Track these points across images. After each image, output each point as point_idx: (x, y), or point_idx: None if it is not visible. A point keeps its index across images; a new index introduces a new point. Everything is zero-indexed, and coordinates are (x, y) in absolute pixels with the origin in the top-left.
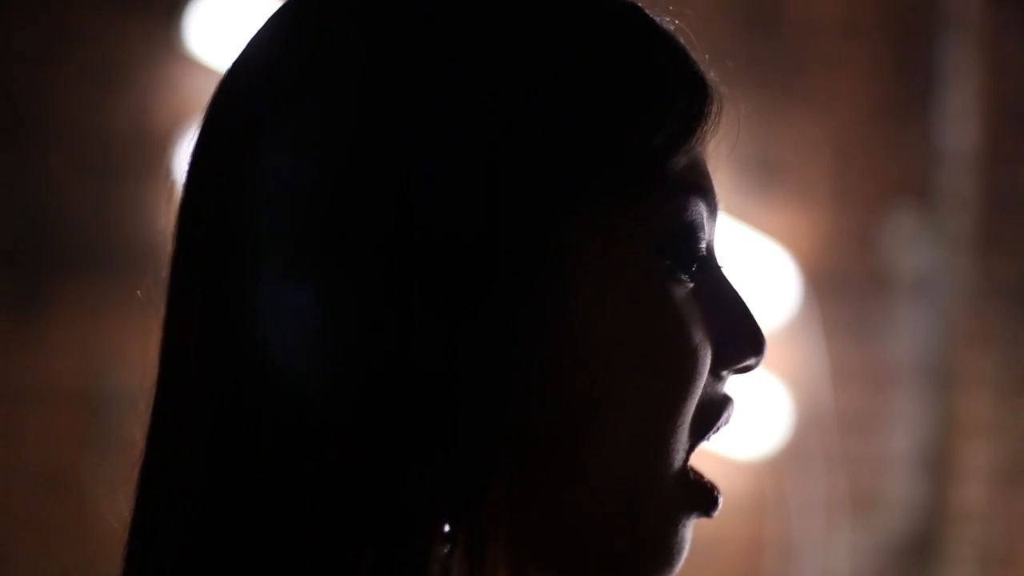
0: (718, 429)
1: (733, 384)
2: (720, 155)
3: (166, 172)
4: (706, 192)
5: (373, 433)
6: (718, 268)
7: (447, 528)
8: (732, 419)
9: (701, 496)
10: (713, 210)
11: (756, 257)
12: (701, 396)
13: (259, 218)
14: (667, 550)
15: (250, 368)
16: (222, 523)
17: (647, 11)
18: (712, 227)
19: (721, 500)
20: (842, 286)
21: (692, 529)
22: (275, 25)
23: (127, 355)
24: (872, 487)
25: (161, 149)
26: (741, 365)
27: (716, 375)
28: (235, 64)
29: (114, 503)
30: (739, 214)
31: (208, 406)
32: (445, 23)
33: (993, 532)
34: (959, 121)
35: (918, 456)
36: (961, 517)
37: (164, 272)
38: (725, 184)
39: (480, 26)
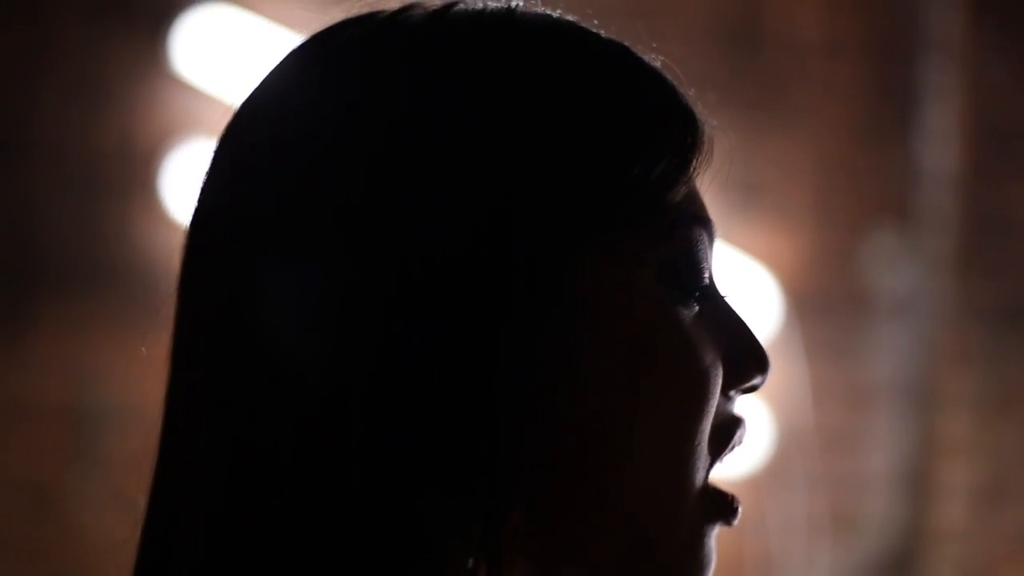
0: (732, 449)
1: (741, 405)
2: (704, 176)
3: (152, 190)
4: (706, 222)
5: (391, 461)
6: (719, 293)
7: (469, 563)
8: (744, 439)
9: (721, 506)
10: (712, 239)
11: (738, 277)
12: (714, 417)
13: (279, 241)
14: (697, 563)
15: (264, 396)
16: (229, 554)
17: (634, 50)
18: (712, 255)
19: (740, 508)
20: (823, 306)
21: (715, 539)
22: (297, 60)
23: (111, 371)
24: (852, 506)
25: (145, 167)
26: (748, 384)
27: (725, 395)
28: (255, 96)
29: (98, 518)
30: (721, 234)
31: (220, 435)
32: (458, 70)
33: (972, 551)
34: (940, 141)
35: (898, 475)
36: (940, 536)
37: (164, 290)
38: (707, 204)
39: (487, 75)
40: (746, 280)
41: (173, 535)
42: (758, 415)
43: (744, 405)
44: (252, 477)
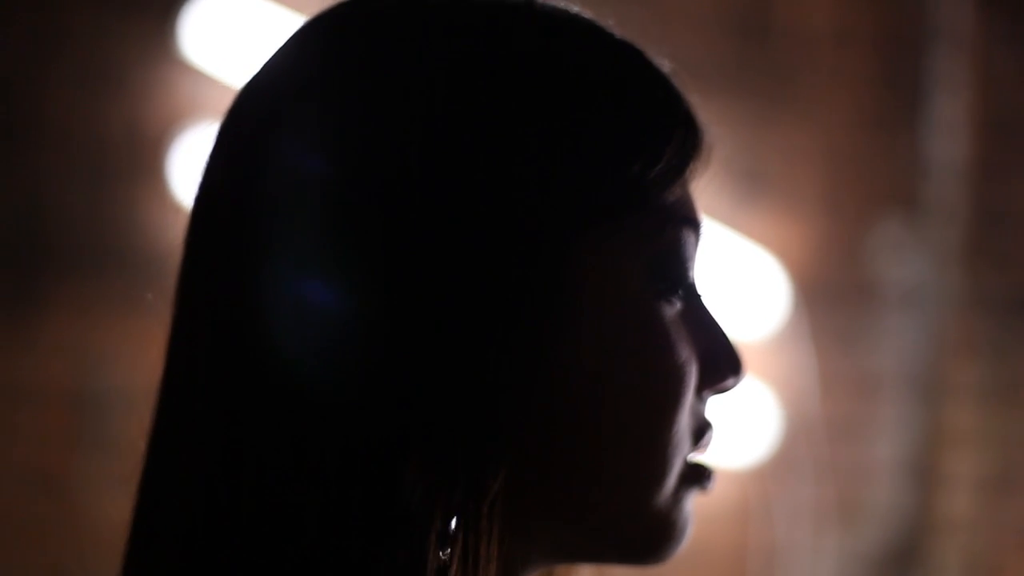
0: (699, 451)
1: (713, 408)
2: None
3: (161, 175)
4: (696, 225)
5: (379, 431)
6: (700, 295)
7: (452, 526)
8: (711, 443)
9: (696, 472)
10: (699, 241)
11: (746, 265)
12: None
13: (281, 227)
14: (674, 530)
15: (259, 368)
16: (222, 524)
17: (646, 53)
18: (697, 257)
19: (715, 474)
20: (831, 295)
21: (691, 503)
22: (304, 40)
23: (118, 355)
24: (858, 495)
25: (154, 152)
26: (721, 385)
27: (698, 395)
28: (257, 77)
29: (104, 502)
30: (728, 222)
31: (216, 407)
32: (464, 59)
33: (978, 541)
34: (948, 132)
35: (904, 465)
36: (946, 526)
37: (171, 275)
38: (715, 192)
39: (503, 67)
40: (754, 269)
41: (161, 515)
42: (766, 404)
43: (717, 406)
44: (237, 453)
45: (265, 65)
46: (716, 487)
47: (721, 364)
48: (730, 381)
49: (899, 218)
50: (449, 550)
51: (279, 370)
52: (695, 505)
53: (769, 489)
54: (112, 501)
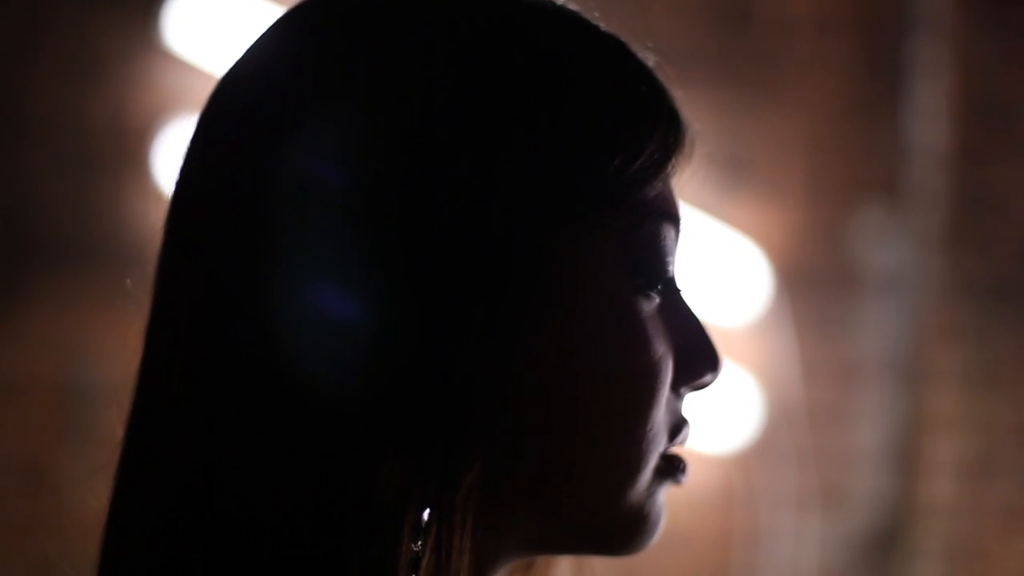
0: (673, 447)
1: (690, 405)
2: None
3: (145, 167)
4: (676, 220)
5: (353, 424)
6: (679, 291)
7: (424, 516)
8: (687, 440)
9: (669, 464)
10: (679, 237)
11: (727, 252)
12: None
13: (260, 222)
14: (647, 523)
15: (233, 362)
16: (197, 515)
17: (630, 46)
18: (677, 253)
19: (688, 467)
20: (813, 282)
21: (665, 495)
22: (284, 28)
23: (104, 348)
24: (841, 481)
25: (138, 144)
26: (698, 382)
27: (675, 391)
28: (238, 65)
29: (89, 495)
30: (710, 210)
31: (190, 400)
32: (445, 53)
33: (960, 526)
34: (930, 118)
35: (887, 450)
36: (928, 511)
37: (150, 265)
38: (696, 180)
39: (478, 59)
40: (736, 255)
41: (137, 506)
42: (747, 390)
43: (694, 402)
44: (213, 447)
45: (244, 57)
46: (699, 473)
47: (698, 361)
48: (707, 378)
49: (881, 204)
50: (422, 542)
51: (253, 364)
52: (678, 491)
53: (752, 475)
54: (97, 493)
